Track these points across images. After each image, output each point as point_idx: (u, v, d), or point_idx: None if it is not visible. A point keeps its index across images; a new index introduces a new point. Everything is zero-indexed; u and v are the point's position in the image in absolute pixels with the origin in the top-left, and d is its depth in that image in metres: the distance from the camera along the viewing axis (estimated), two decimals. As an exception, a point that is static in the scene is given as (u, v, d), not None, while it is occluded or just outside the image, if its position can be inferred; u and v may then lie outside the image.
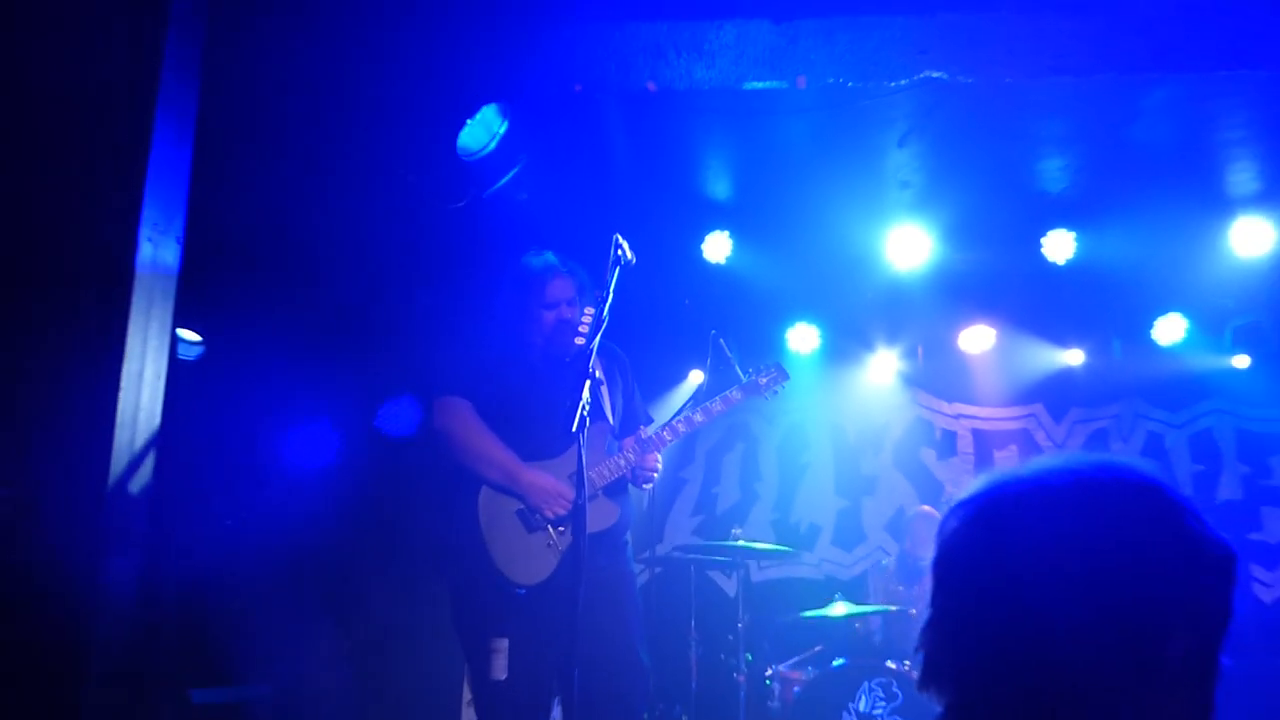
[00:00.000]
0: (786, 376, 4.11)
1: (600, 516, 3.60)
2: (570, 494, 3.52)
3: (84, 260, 2.78)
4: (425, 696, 5.37)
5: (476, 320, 3.83)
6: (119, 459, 2.64)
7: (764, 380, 4.04)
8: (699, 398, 4.51)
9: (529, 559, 3.53)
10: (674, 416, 3.97)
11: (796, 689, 4.92)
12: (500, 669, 3.34)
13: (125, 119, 2.97)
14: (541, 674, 3.48)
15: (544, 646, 3.45)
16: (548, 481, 3.55)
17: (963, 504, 1.15)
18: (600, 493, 3.62)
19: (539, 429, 3.60)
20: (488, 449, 3.59)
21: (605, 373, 3.85)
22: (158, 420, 2.82)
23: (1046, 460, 1.14)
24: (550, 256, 3.79)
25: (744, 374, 4.11)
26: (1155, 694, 1.02)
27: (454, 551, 3.64)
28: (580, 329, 3.32)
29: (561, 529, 3.54)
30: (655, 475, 3.72)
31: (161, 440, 2.92)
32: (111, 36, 3.01)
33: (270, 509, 5.20)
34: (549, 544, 3.54)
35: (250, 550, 5.09)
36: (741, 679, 5.10)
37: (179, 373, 5.09)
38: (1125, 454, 6.81)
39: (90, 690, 2.54)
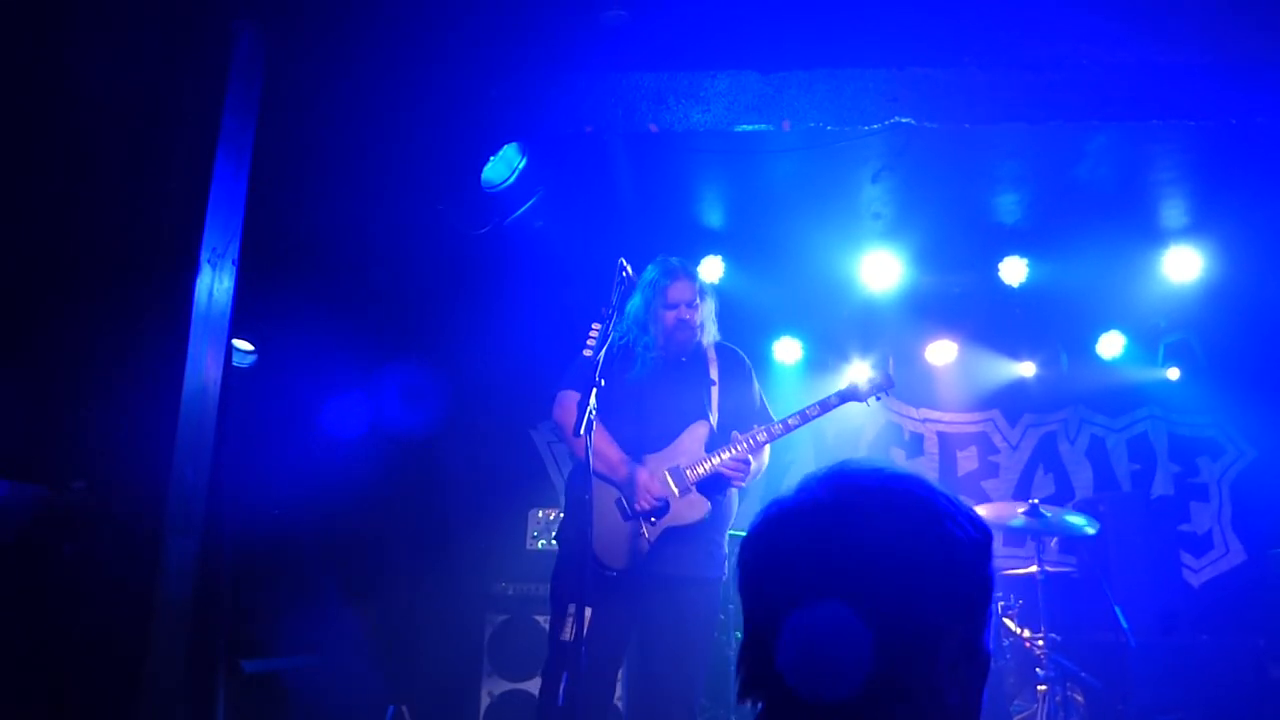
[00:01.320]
0: (892, 384, 3.90)
1: (689, 512, 3.49)
2: (658, 490, 3.46)
3: (151, 281, 2.80)
4: (449, 661, 5.35)
5: (598, 329, 3.67)
6: (181, 456, 2.65)
7: (866, 387, 3.82)
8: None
9: (621, 544, 3.46)
10: (771, 422, 3.72)
11: (778, 662, 4.90)
12: (569, 631, 3.25)
13: (190, 153, 2.99)
14: (610, 648, 3.41)
15: (621, 624, 3.40)
16: (642, 476, 3.47)
17: (750, 530, 1.10)
18: (694, 488, 3.50)
19: (651, 422, 3.54)
20: (598, 442, 3.40)
21: (721, 373, 3.73)
22: (213, 422, 2.83)
23: (819, 473, 1.08)
24: (674, 260, 3.71)
25: (848, 381, 3.88)
26: (935, 683, 0.97)
27: (567, 522, 3.57)
28: (590, 340, 3.30)
29: (654, 520, 3.47)
30: (747, 472, 3.55)
31: (219, 439, 2.93)
32: (179, 78, 3.03)
33: (314, 497, 5.20)
34: (641, 533, 3.46)
35: (296, 534, 5.09)
36: (731, 654, 5.08)
37: (234, 379, 5.12)
38: (1072, 454, 6.81)
39: (153, 660, 2.54)
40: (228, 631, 4.30)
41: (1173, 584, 5.99)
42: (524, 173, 3.97)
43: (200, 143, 2.95)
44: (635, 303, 3.63)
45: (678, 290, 3.60)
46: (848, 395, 3.79)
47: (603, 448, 3.47)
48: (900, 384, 6.95)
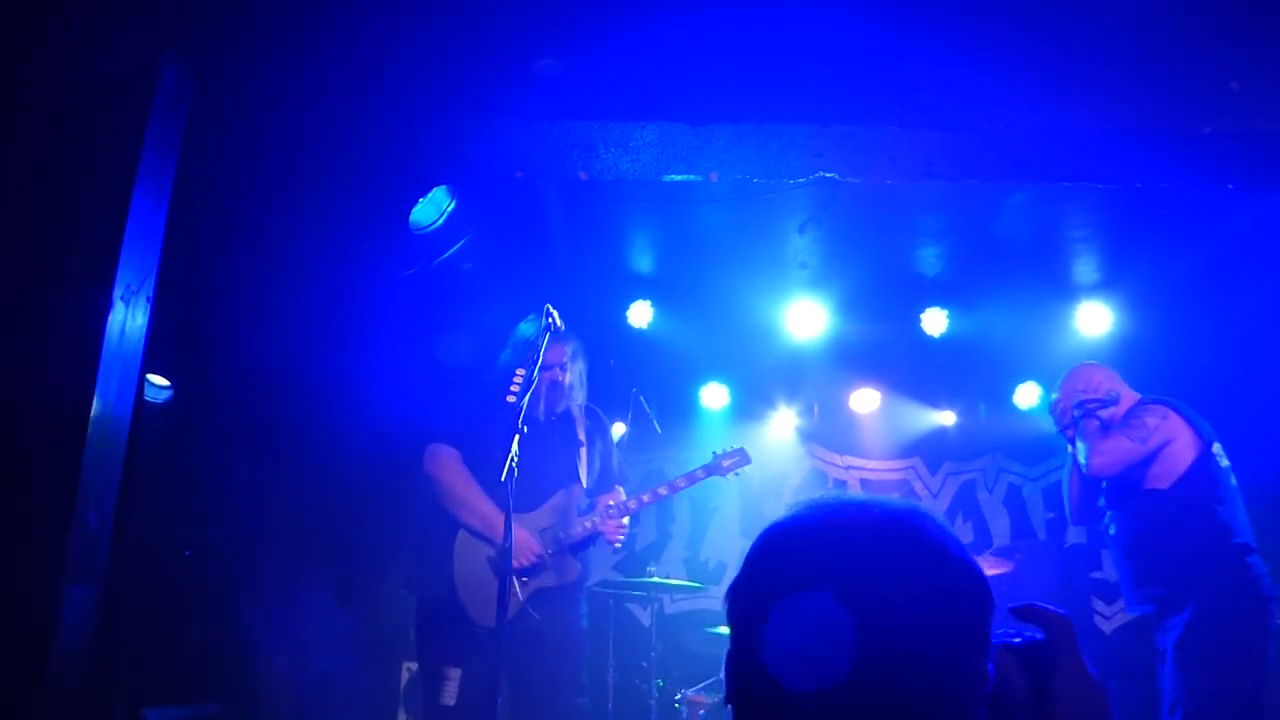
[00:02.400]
0: (748, 461, 4.04)
1: (563, 572, 3.54)
2: (538, 549, 3.47)
3: (60, 315, 2.70)
4: (362, 713, 5.20)
5: (469, 374, 3.72)
6: (84, 501, 2.55)
7: (727, 463, 3.99)
8: (623, 447, 4.47)
9: (492, 602, 3.42)
10: (641, 490, 3.92)
11: (702, 712, 4.87)
12: (450, 695, 3.25)
13: (107, 186, 2.91)
14: (487, 706, 3.39)
15: (491, 679, 3.37)
16: (521, 535, 3.45)
17: (747, 557, 1.05)
18: (568, 550, 3.54)
19: (521, 482, 3.51)
20: (470, 498, 3.49)
21: (587, 434, 3.77)
22: (120, 463, 2.73)
23: (821, 498, 1.03)
24: (549, 319, 3.64)
25: (710, 455, 4.05)
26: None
27: (425, 587, 3.54)
28: (513, 388, 3.30)
29: (525, 579, 3.46)
30: (621, 537, 3.67)
31: (127, 480, 2.82)
32: (99, 110, 2.96)
33: (231, 537, 5.04)
34: (514, 593, 3.44)
35: (210, 576, 4.92)
36: (653, 703, 5.04)
37: (148, 415, 4.95)
38: (990, 502, 6.96)
39: (44, 713, 2.42)
40: (129, 681, 4.12)
41: (1085, 630, 6.12)
42: (453, 215, 3.95)
43: (118, 177, 2.88)
44: (505, 358, 3.64)
45: (553, 352, 3.60)
46: (712, 469, 3.99)
47: (479, 504, 3.50)
48: (824, 431, 7.14)
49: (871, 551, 0.95)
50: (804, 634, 0.92)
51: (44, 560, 2.48)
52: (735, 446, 4.08)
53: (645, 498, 3.77)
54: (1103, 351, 6.12)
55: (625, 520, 3.66)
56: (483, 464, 3.55)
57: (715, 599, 6.82)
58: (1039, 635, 1.10)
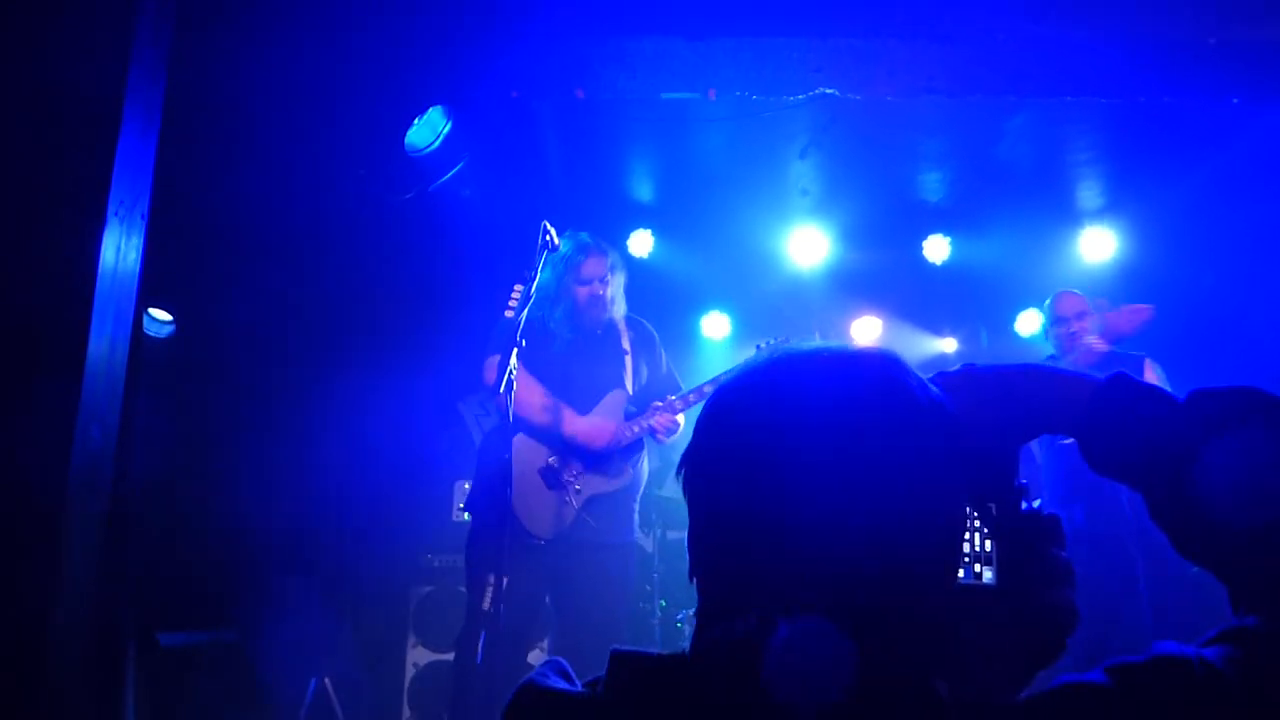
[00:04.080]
0: None
1: (615, 476, 3.59)
2: (612, 426, 3.53)
3: (53, 239, 2.68)
4: (374, 633, 5.30)
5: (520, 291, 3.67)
6: (86, 415, 2.55)
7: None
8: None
9: (546, 512, 3.48)
10: (690, 390, 3.86)
11: (703, 630, 4.95)
12: (488, 600, 3.24)
13: (94, 112, 2.87)
14: (527, 614, 3.43)
15: (539, 590, 3.42)
16: (594, 419, 3.53)
17: (698, 423, 0.93)
18: (617, 454, 3.57)
19: (569, 392, 3.58)
20: (531, 395, 3.50)
21: (632, 344, 3.80)
22: (121, 381, 2.74)
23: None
24: (585, 236, 3.73)
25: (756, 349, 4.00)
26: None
27: (481, 495, 3.53)
28: (511, 303, 3.30)
29: (578, 488, 3.49)
30: (675, 431, 3.67)
31: (129, 403, 2.83)
32: (83, 30, 2.91)
33: (235, 468, 5.08)
34: (566, 500, 3.49)
35: (217, 506, 4.97)
36: (656, 623, 5.13)
37: (151, 346, 4.96)
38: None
39: (54, 638, 2.46)
40: (138, 605, 4.19)
41: (1074, 534, 6.21)
42: (449, 137, 3.90)
43: (105, 98, 2.84)
44: (546, 276, 3.65)
45: (590, 266, 3.65)
46: None
47: (536, 400, 3.51)
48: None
49: (831, 405, 0.85)
50: (765, 506, 0.82)
51: (50, 479, 2.50)
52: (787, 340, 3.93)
53: (690, 398, 3.72)
54: (1106, 277, 6.08)
55: (679, 417, 3.65)
56: (535, 377, 3.57)
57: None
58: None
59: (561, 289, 3.65)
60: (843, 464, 0.82)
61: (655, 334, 3.92)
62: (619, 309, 3.76)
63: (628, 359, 3.72)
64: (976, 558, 0.93)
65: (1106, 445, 0.91)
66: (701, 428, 0.92)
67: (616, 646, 0.80)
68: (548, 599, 3.55)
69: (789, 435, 0.84)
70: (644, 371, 3.80)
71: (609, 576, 3.48)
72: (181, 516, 4.84)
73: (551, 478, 3.49)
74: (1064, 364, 4.51)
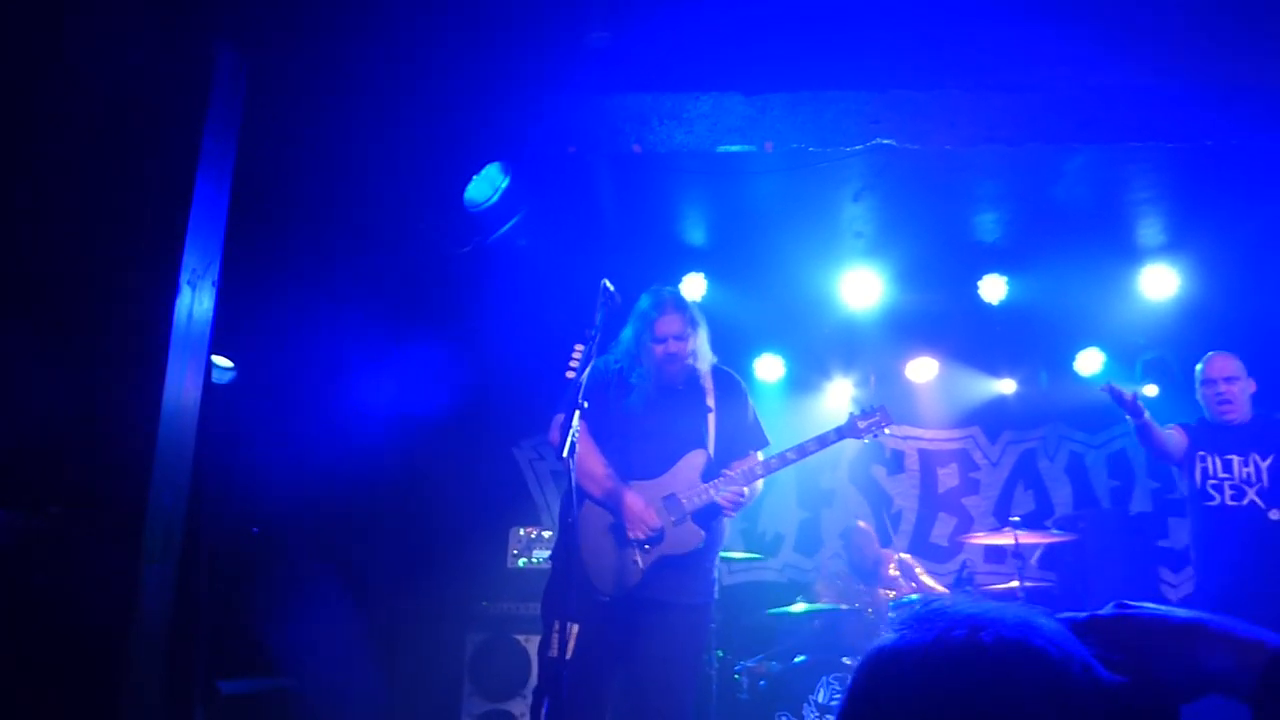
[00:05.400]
0: (890, 420, 3.82)
1: (683, 540, 3.48)
2: (654, 521, 3.43)
3: (129, 301, 2.76)
4: (431, 680, 5.29)
5: (581, 350, 3.70)
6: (159, 480, 2.61)
7: (863, 424, 3.78)
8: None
9: (615, 571, 3.44)
10: (770, 456, 3.73)
11: (763, 682, 4.88)
12: (555, 646, 3.22)
13: (169, 173, 2.95)
14: (596, 668, 3.36)
15: (609, 647, 3.37)
16: (638, 504, 3.45)
17: (854, 677, 0.94)
18: (689, 517, 3.49)
19: (642, 451, 3.52)
20: (591, 465, 3.47)
21: (717, 399, 3.71)
22: (191, 445, 2.79)
23: (924, 614, 0.92)
24: (666, 292, 3.71)
25: (847, 415, 3.85)
26: None
27: (557, 551, 3.55)
28: (572, 363, 3.30)
29: (648, 547, 3.44)
30: (737, 507, 3.56)
31: (198, 460, 2.89)
32: (159, 99, 3.00)
33: (296, 514, 5.14)
34: (634, 560, 3.44)
35: (278, 551, 5.03)
36: (713, 674, 5.06)
37: (214, 396, 5.05)
38: (1051, 471, 6.83)
39: (128, 691, 2.49)
40: (206, 656, 4.23)
41: (1152, 599, 6.01)
42: (507, 192, 3.95)
43: (180, 163, 2.92)
44: (627, 333, 3.66)
45: (665, 324, 3.60)
46: (845, 432, 3.78)
47: (598, 471, 3.48)
48: (881, 402, 7.05)
49: (987, 685, 0.85)
50: None
51: (124, 542, 2.54)
52: (874, 405, 3.84)
53: (774, 463, 3.63)
54: (1169, 316, 5.96)
55: (745, 489, 3.54)
56: (609, 434, 3.54)
57: (773, 570, 6.81)
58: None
59: (639, 345, 3.63)
60: None
61: (744, 385, 3.84)
62: (703, 363, 3.70)
63: (710, 416, 3.63)
64: None
65: None
66: (858, 707, 0.90)
67: None
68: (614, 660, 3.49)
69: None
70: (728, 427, 3.71)
71: (674, 637, 3.41)
72: (245, 561, 4.89)
73: (620, 535, 3.46)
74: (1210, 419, 4.51)
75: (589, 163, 4.22)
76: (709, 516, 3.55)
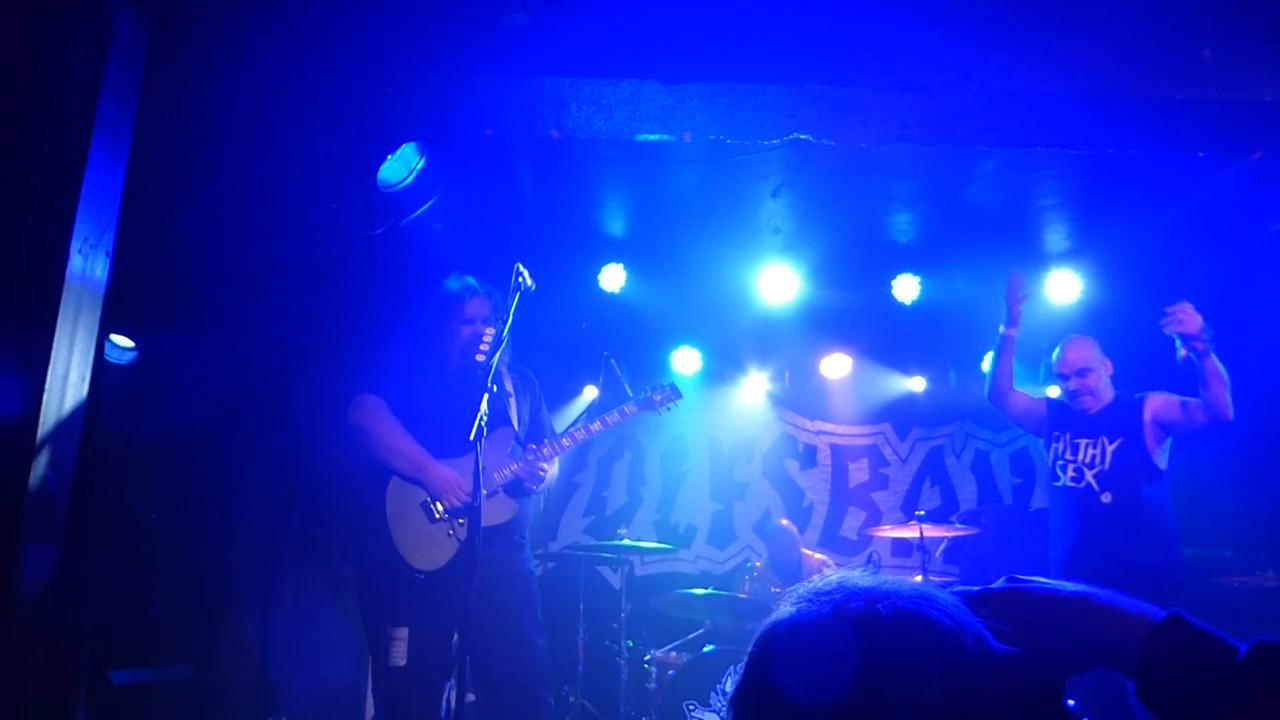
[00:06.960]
0: (679, 395, 4.10)
1: (498, 512, 3.56)
2: (469, 487, 3.47)
3: (14, 268, 2.63)
4: (335, 681, 5.19)
5: (397, 328, 3.77)
6: (41, 456, 2.49)
7: (658, 397, 4.02)
8: (594, 411, 4.48)
9: (430, 547, 3.46)
10: (572, 425, 3.95)
11: (671, 672, 4.91)
12: (400, 655, 3.26)
13: (63, 139, 2.83)
14: (437, 657, 3.40)
15: (440, 630, 3.38)
16: (451, 475, 3.50)
17: (751, 658, 0.96)
18: (500, 490, 3.57)
19: (447, 429, 3.52)
20: (398, 442, 3.52)
21: (515, 387, 3.82)
22: (79, 421, 2.68)
23: (822, 589, 0.95)
24: (470, 279, 3.77)
25: (638, 390, 4.08)
26: None
27: (360, 537, 3.55)
28: (482, 346, 3.28)
29: (461, 521, 3.47)
30: (542, 479, 3.67)
31: (87, 439, 2.77)
32: (53, 64, 2.87)
33: (193, 502, 4.99)
34: (449, 534, 3.47)
35: (175, 540, 4.87)
36: (623, 663, 5.08)
37: (113, 376, 4.86)
38: (958, 468, 7.02)
39: (2, 675, 2.38)
40: (91, 644, 4.08)
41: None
42: (422, 173, 3.88)
43: (74, 130, 2.80)
44: (433, 314, 3.74)
45: (473, 306, 3.70)
46: (643, 405, 4.00)
47: (406, 447, 3.52)
48: (795, 396, 7.17)
49: (883, 655, 0.87)
50: None
51: (2, 518, 2.43)
52: (666, 382, 4.12)
53: (579, 435, 3.78)
54: (1073, 319, 6.16)
55: (546, 465, 3.66)
56: (412, 413, 3.59)
57: (685, 561, 6.87)
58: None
59: (444, 327, 3.70)
60: None
61: (536, 382, 3.98)
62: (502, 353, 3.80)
63: (511, 400, 3.75)
64: None
65: (1165, 691, 0.91)
66: (755, 677, 0.93)
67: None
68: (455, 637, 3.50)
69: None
70: (527, 414, 3.84)
71: (505, 597, 3.47)
72: (138, 551, 4.73)
73: (431, 511, 3.49)
74: (1072, 407, 4.59)
75: (507, 147, 4.18)
76: (520, 490, 3.65)
